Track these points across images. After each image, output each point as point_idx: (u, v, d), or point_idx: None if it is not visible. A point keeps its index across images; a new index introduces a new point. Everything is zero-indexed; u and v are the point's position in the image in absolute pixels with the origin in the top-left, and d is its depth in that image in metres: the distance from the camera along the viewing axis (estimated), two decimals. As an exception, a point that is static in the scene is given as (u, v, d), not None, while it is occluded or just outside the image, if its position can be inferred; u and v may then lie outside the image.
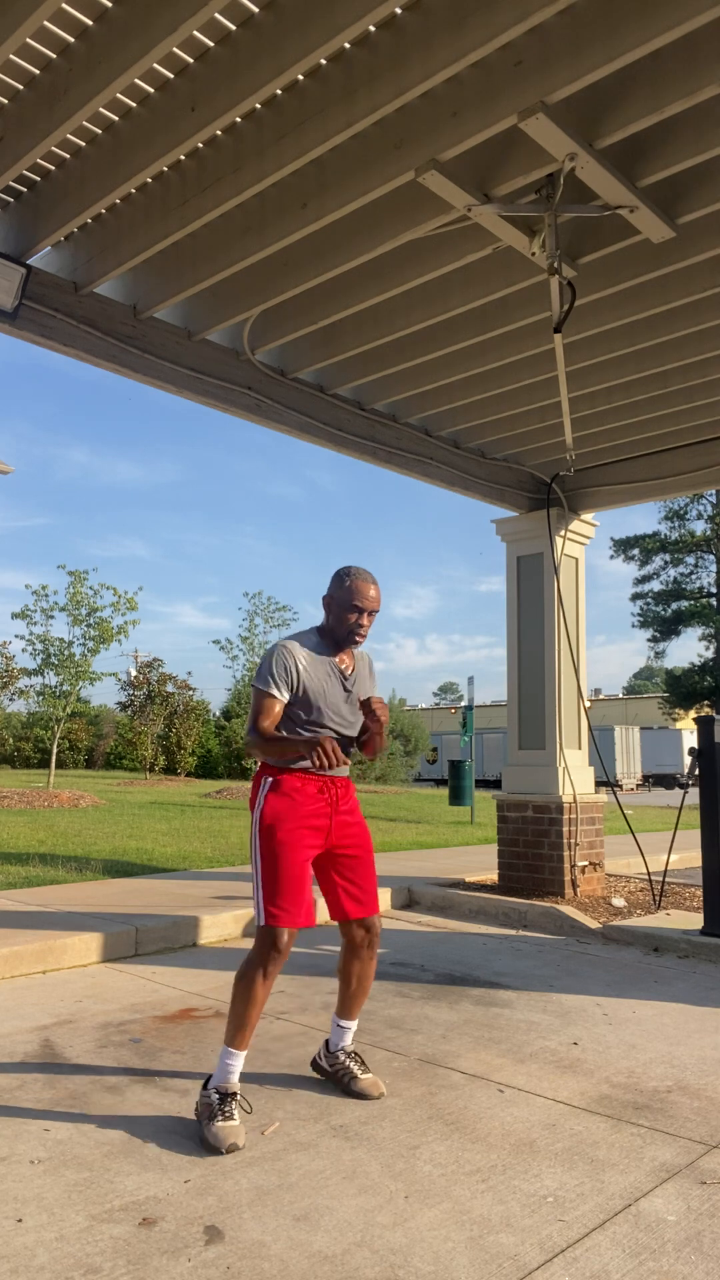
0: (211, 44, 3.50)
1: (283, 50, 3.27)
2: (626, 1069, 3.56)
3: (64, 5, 3.29)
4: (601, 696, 60.32)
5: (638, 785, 38.72)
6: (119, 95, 3.76)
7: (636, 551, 45.63)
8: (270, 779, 3.13)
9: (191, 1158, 2.74)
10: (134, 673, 31.37)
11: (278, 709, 3.12)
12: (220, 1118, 2.84)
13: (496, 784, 33.57)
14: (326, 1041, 3.37)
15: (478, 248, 4.41)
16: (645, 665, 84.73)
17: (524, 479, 7.62)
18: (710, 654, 45.05)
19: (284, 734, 3.13)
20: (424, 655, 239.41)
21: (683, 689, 44.96)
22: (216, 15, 3.35)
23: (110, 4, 3.30)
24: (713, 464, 6.82)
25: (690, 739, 37.40)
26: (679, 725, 45.62)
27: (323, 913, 6.51)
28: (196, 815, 14.61)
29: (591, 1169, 2.71)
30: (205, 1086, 2.96)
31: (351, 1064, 3.27)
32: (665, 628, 45.78)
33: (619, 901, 6.96)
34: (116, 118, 3.91)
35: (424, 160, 3.70)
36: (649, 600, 46.23)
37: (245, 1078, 3.39)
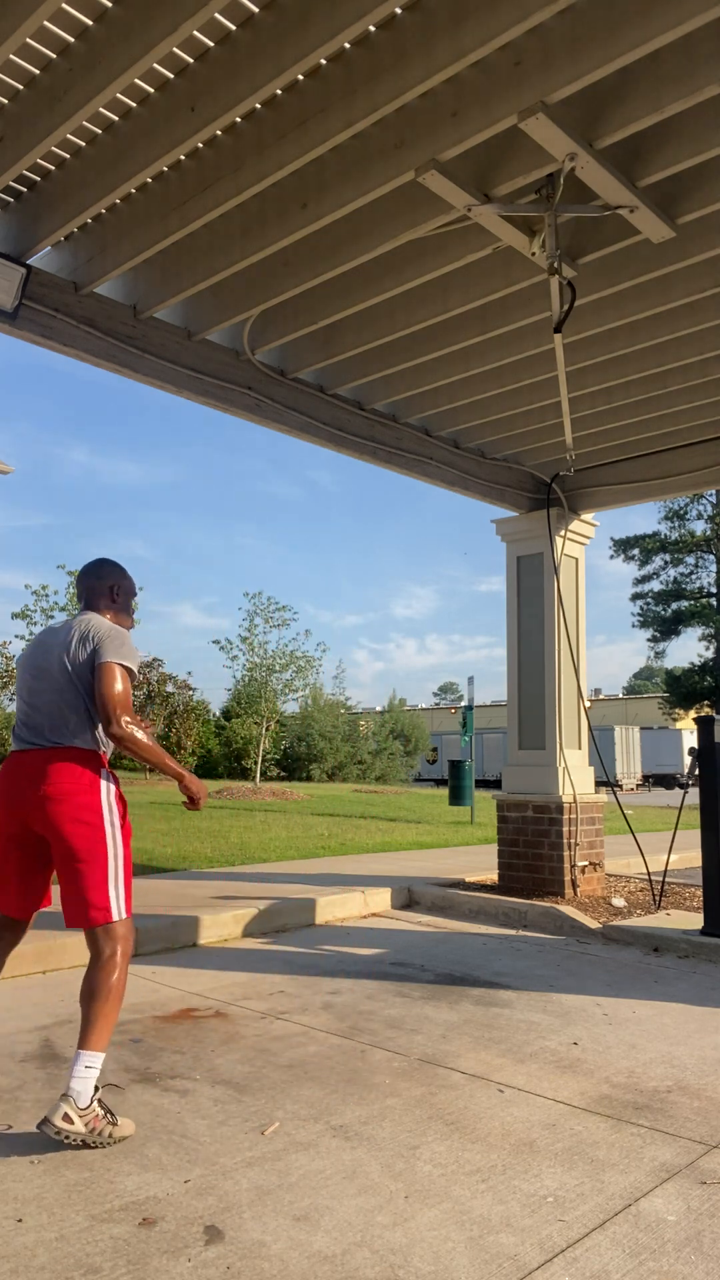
0: (211, 44, 3.50)
1: (283, 50, 3.27)
2: (626, 1069, 3.56)
3: (64, 5, 3.29)
4: (601, 696, 60.33)
5: (638, 785, 38.72)
6: (119, 95, 3.76)
7: (636, 551, 45.62)
8: (105, 770, 3.03)
9: (191, 1158, 2.74)
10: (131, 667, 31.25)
11: None
12: (117, 1116, 2.85)
13: (496, 784, 33.57)
14: None
15: (478, 248, 4.41)
16: (645, 665, 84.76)
17: (524, 479, 7.62)
18: (710, 654, 45.05)
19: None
20: (424, 655, 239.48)
21: (683, 689, 44.95)
22: (216, 15, 3.35)
23: (110, 4, 3.30)
24: (713, 464, 6.82)
25: (690, 739, 37.40)
26: (679, 725, 45.61)
27: (325, 913, 6.50)
28: (196, 815, 14.60)
29: (591, 1169, 2.71)
30: (90, 1105, 2.76)
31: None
32: (665, 628, 45.77)
33: (619, 901, 6.96)
34: (116, 118, 3.91)
35: (424, 160, 3.70)
36: (649, 600, 46.22)
37: (244, 1076, 3.39)
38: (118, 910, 2.91)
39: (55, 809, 2.89)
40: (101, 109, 3.84)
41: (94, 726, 3.00)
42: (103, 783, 2.98)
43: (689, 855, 9.11)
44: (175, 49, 3.49)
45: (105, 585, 3.23)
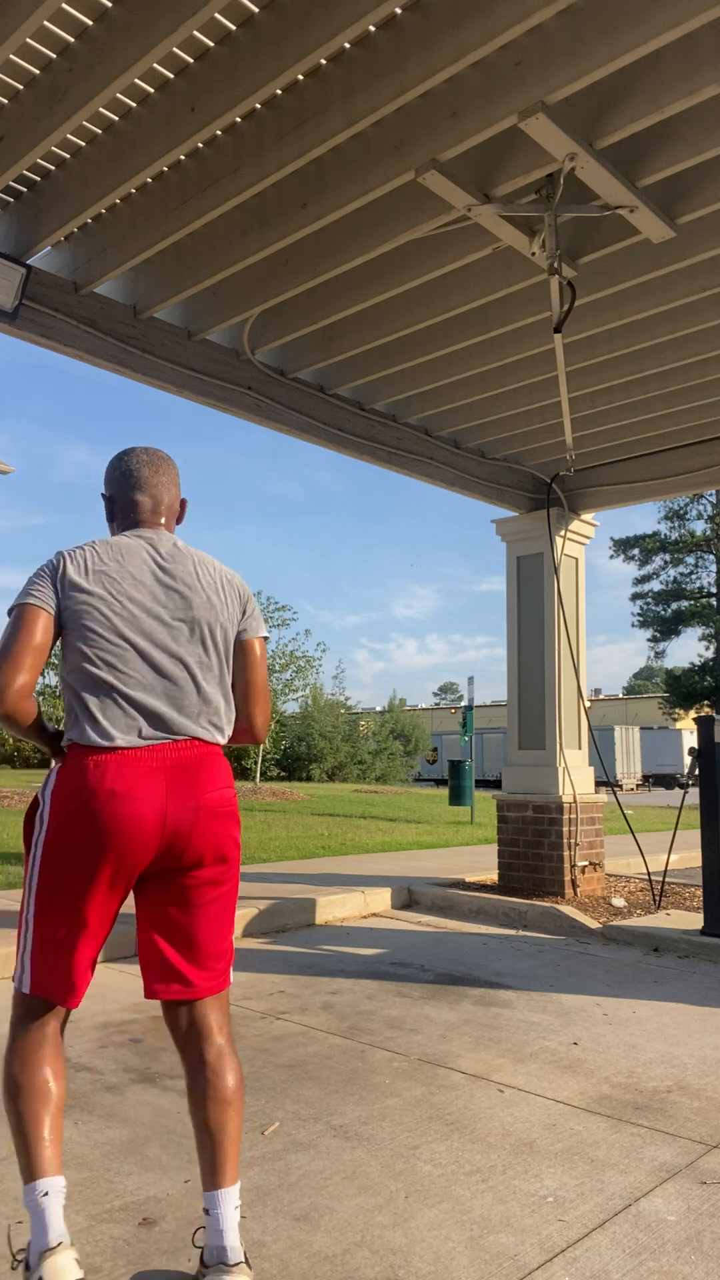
0: (211, 44, 3.50)
1: (283, 50, 3.27)
2: (626, 1069, 3.56)
3: (64, 5, 3.29)
4: (601, 696, 60.32)
5: (638, 785, 38.71)
6: (119, 95, 3.76)
7: (636, 551, 45.62)
8: None
9: (191, 1158, 2.74)
10: None
11: None
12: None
13: (496, 784, 33.58)
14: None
15: (478, 248, 4.41)
16: (645, 665, 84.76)
17: (524, 479, 7.63)
18: (710, 654, 45.05)
19: None
20: (424, 655, 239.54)
21: (683, 689, 44.94)
22: (216, 15, 3.35)
23: (110, 4, 3.30)
24: (713, 464, 6.82)
25: (690, 739, 37.41)
26: (679, 725, 45.61)
27: (325, 913, 6.50)
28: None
29: (591, 1169, 2.71)
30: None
31: None
32: (665, 628, 45.76)
33: (619, 901, 6.97)
34: (116, 118, 3.91)
35: (424, 160, 3.70)
36: (649, 600, 46.22)
37: (246, 1077, 3.39)
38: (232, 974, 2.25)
39: (226, 829, 2.10)
40: (101, 109, 3.84)
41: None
42: None
43: (689, 855, 9.11)
44: (175, 49, 3.49)
45: (182, 500, 2.37)
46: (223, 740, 2.17)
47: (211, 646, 2.15)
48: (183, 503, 2.36)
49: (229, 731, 2.20)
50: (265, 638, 2.28)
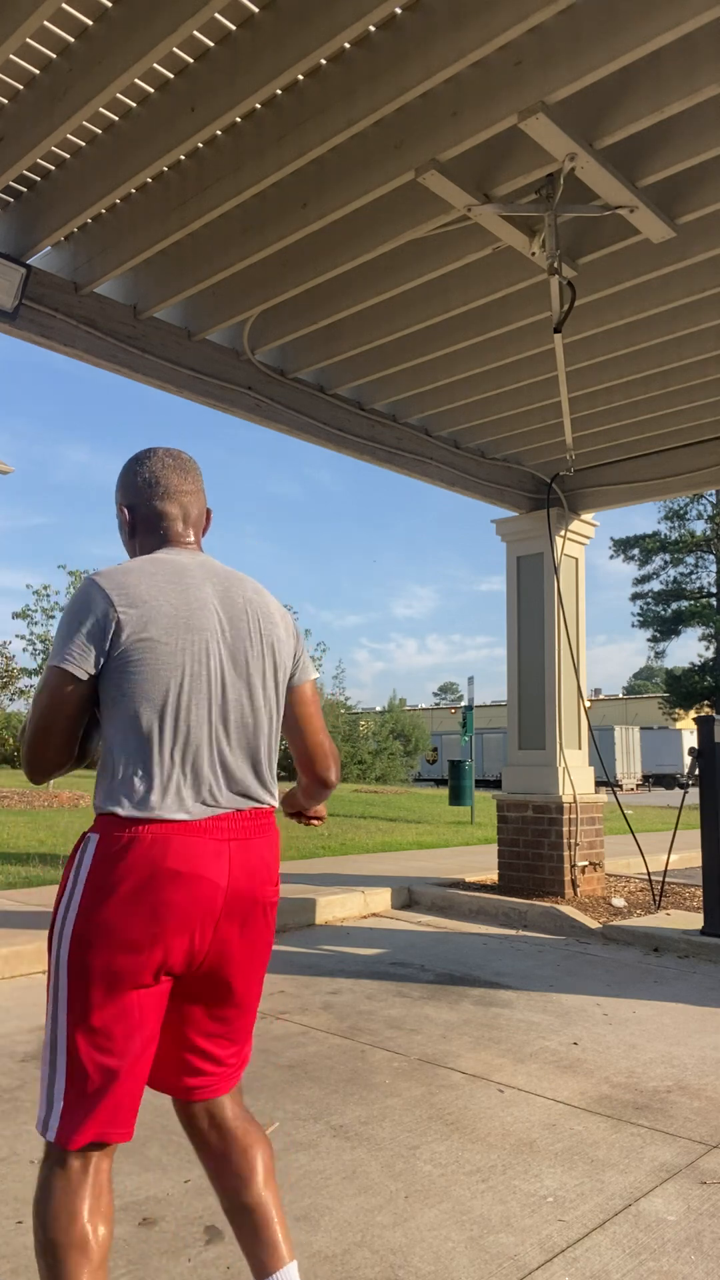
0: (211, 44, 3.49)
1: (283, 50, 3.27)
2: (626, 1069, 3.56)
3: (64, 5, 3.28)
4: (601, 696, 60.31)
5: (638, 785, 38.70)
6: (119, 95, 3.76)
7: (636, 551, 45.61)
8: None
9: (191, 1158, 2.74)
10: None
11: None
12: None
13: (496, 784, 33.57)
14: None
15: (478, 248, 4.41)
16: (645, 665, 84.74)
17: (524, 479, 7.62)
18: (710, 654, 45.05)
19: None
20: (424, 655, 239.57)
21: (683, 689, 44.94)
22: (216, 15, 3.35)
23: (110, 4, 3.30)
24: (713, 464, 6.82)
25: (690, 739, 37.40)
26: (679, 725, 45.60)
27: (325, 913, 6.50)
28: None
29: (591, 1169, 2.71)
30: None
31: None
32: (665, 628, 45.76)
33: (619, 901, 6.96)
34: (116, 118, 3.91)
35: (424, 160, 3.70)
36: (649, 600, 46.21)
37: (246, 1077, 3.38)
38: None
39: (270, 917, 1.82)
40: (101, 109, 3.84)
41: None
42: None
43: (689, 855, 9.11)
44: (175, 49, 3.49)
45: (208, 510, 2.03)
46: (275, 803, 1.86)
47: (274, 691, 1.84)
48: (208, 513, 2.01)
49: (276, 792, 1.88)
50: (314, 678, 1.98)
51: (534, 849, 7.14)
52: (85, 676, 1.68)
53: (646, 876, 8.11)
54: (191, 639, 1.72)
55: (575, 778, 7.24)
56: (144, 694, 1.68)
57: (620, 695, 65.11)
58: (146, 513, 1.91)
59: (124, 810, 1.65)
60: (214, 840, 1.69)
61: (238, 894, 1.70)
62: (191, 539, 1.93)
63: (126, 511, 1.94)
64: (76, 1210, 1.59)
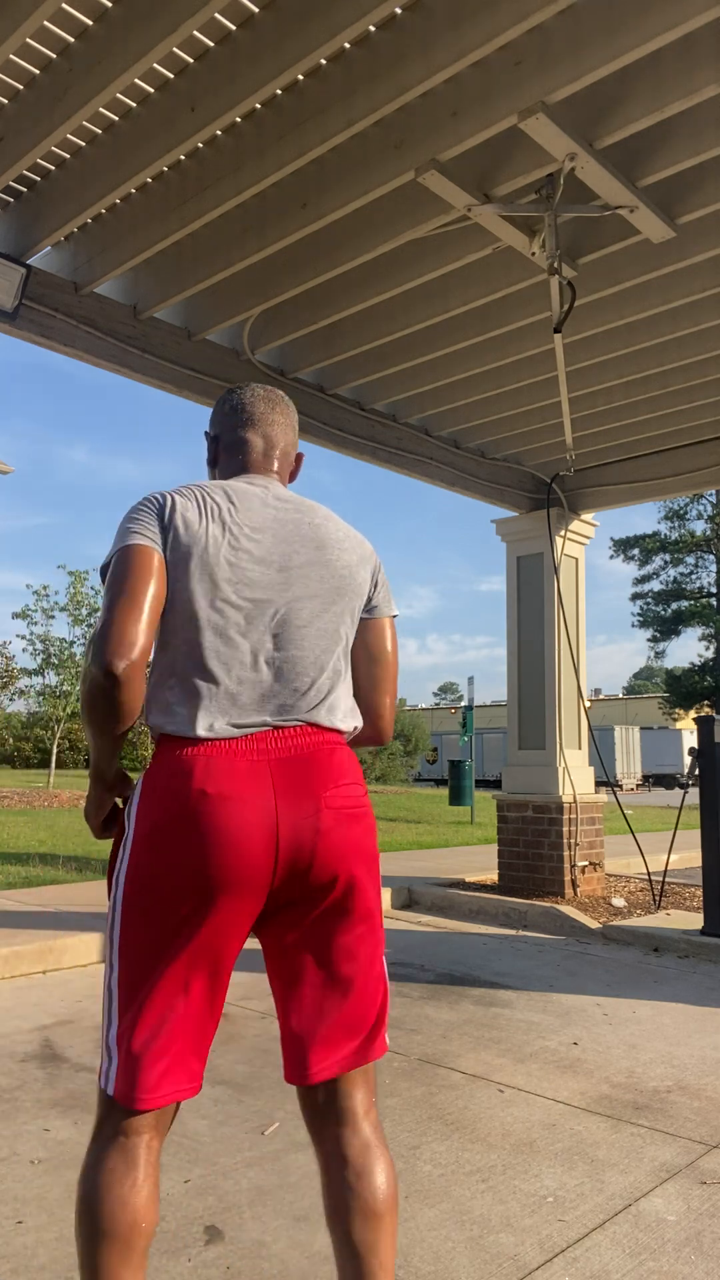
0: (211, 44, 3.49)
1: (283, 50, 3.27)
2: (626, 1069, 3.56)
3: (64, 5, 3.28)
4: (601, 696, 60.31)
5: (638, 785, 38.70)
6: (119, 95, 3.76)
7: (636, 551, 45.61)
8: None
9: (191, 1157, 2.74)
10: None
11: None
12: None
13: (496, 784, 33.56)
14: None
15: (478, 248, 4.41)
16: (645, 665, 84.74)
17: (524, 479, 7.62)
18: (710, 654, 45.05)
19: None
20: (424, 655, 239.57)
21: (683, 689, 44.94)
22: (216, 15, 3.35)
23: (110, 4, 3.30)
24: (713, 464, 6.82)
25: (690, 739, 37.40)
26: (679, 725, 45.60)
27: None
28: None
29: (591, 1169, 2.71)
30: None
31: None
32: (665, 628, 45.77)
33: (619, 901, 6.97)
34: (116, 118, 3.91)
35: (424, 160, 3.70)
36: (649, 600, 46.22)
37: (244, 1076, 3.39)
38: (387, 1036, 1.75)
39: (358, 838, 1.64)
40: (101, 109, 3.84)
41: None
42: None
43: (689, 855, 9.11)
44: (175, 49, 3.49)
45: (298, 452, 1.98)
46: (348, 728, 1.73)
47: (343, 617, 1.74)
48: (299, 456, 1.95)
49: (356, 719, 1.76)
50: (394, 615, 1.87)
51: (534, 849, 7.14)
52: (158, 550, 1.61)
53: (646, 876, 8.10)
54: (238, 556, 1.65)
55: (575, 778, 7.24)
56: (184, 607, 1.62)
57: (620, 695, 65.11)
58: (229, 440, 1.88)
59: (164, 727, 1.60)
60: (249, 760, 1.57)
61: (291, 816, 1.55)
62: (273, 468, 1.87)
63: (211, 441, 1.93)
64: (126, 1187, 1.47)
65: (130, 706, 1.54)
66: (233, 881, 1.51)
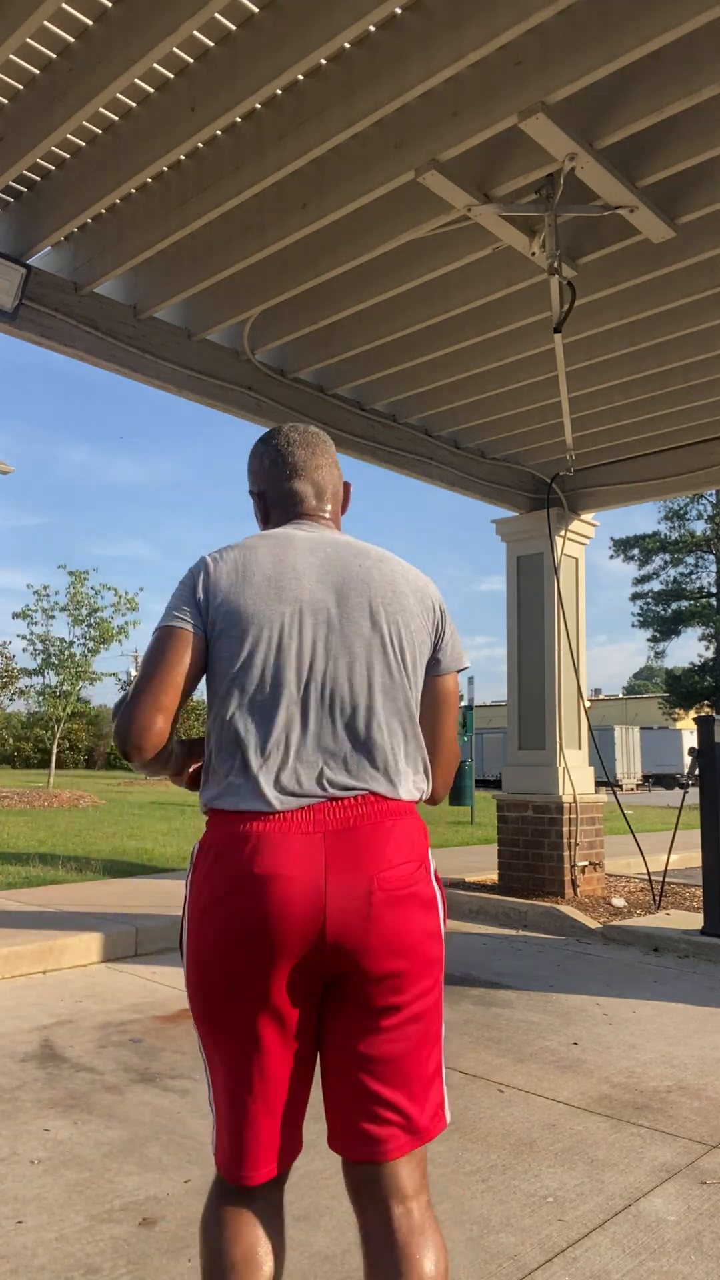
0: (211, 44, 3.49)
1: (283, 50, 3.27)
2: (626, 1069, 3.56)
3: (64, 5, 3.28)
4: (601, 696, 60.30)
5: (638, 785, 38.69)
6: (119, 95, 3.76)
7: (636, 551, 45.62)
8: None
9: (192, 1158, 2.74)
10: (134, 673, 31.23)
11: None
12: None
13: (496, 784, 33.54)
14: None
15: (478, 248, 4.41)
16: (645, 665, 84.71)
17: (524, 479, 7.62)
18: (710, 654, 45.05)
19: None
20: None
21: (683, 689, 44.95)
22: (216, 15, 3.35)
23: (110, 4, 3.30)
24: (713, 464, 6.82)
25: (690, 739, 37.36)
26: (679, 725, 45.59)
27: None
28: (196, 815, 14.61)
29: (591, 1169, 2.71)
30: None
31: None
32: (665, 628, 45.78)
33: (619, 901, 6.96)
34: (116, 118, 3.91)
35: (424, 160, 3.70)
36: (649, 600, 46.23)
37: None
38: (443, 1116, 1.61)
39: (412, 919, 1.54)
40: (101, 109, 3.84)
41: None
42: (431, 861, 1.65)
43: (689, 855, 9.11)
44: (175, 49, 3.49)
45: (345, 483, 1.91)
46: (411, 795, 1.61)
47: (399, 671, 1.63)
48: (346, 486, 1.89)
49: (423, 783, 1.65)
50: (462, 669, 1.76)
51: (534, 849, 7.14)
52: (191, 629, 1.60)
53: (646, 876, 8.10)
54: (281, 609, 1.59)
55: (575, 778, 7.24)
56: (227, 669, 1.58)
57: (620, 695, 65.10)
58: (277, 495, 1.81)
59: (210, 801, 1.57)
60: (300, 833, 1.49)
61: (340, 894, 1.48)
62: (327, 514, 1.81)
63: (257, 499, 1.86)
64: (219, 1246, 1.49)
65: (154, 763, 1.59)
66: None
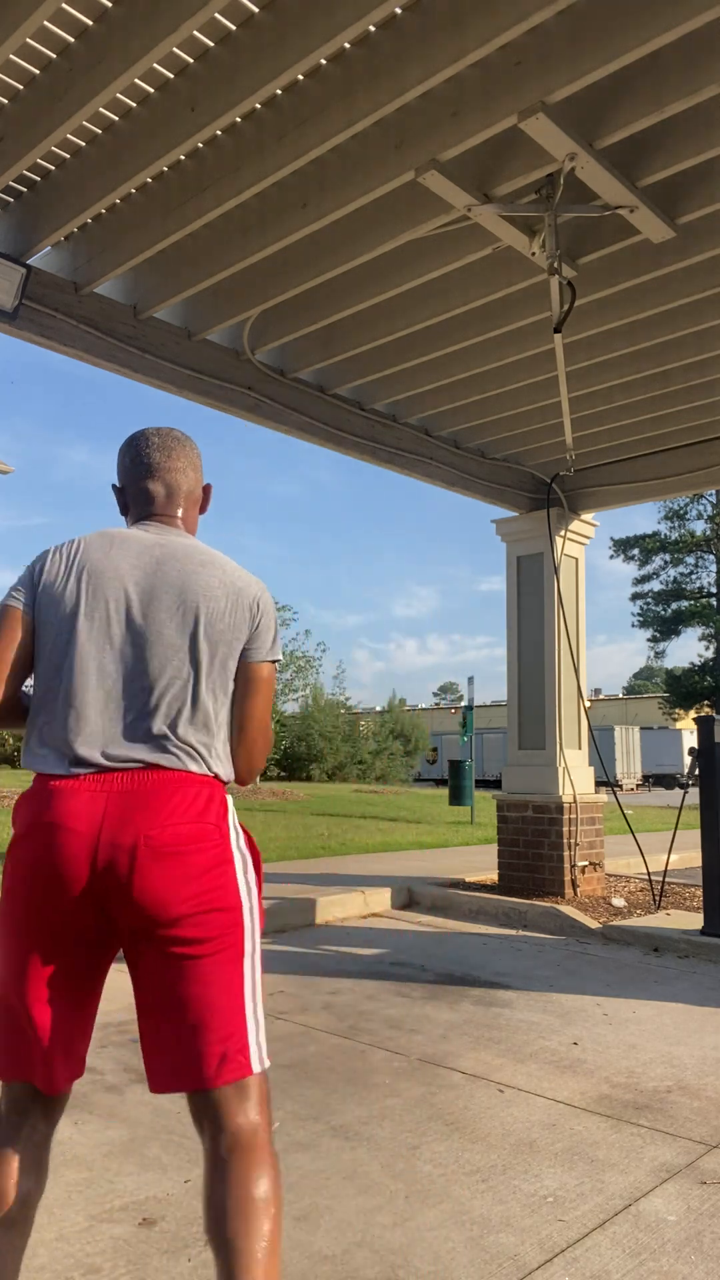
0: (211, 44, 3.49)
1: (283, 50, 3.27)
2: (626, 1069, 3.56)
3: (64, 5, 3.28)
4: (601, 696, 60.30)
5: (638, 785, 38.70)
6: (119, 95, 3.76)
7: (636, 551, 45.63)
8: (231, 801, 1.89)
9: (192, 1158, 2.74)
10: None
11: None
12: None
13: (496, 784, 33.55)
14: None
15: (478, 248, 4.41)
16: (645, 665, 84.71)
17: (524, 479, 7.62)
18: (710, 654, 45.06)
19: None
20: (424, 655, 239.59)
21: (683, 689, 44.95)
22: (216, 15, 3.35)
23: (110, 4, 3.30)
24: (713, 464, 6.82)
25: (690, 739, 37.38)
26: (679, 725, 45.59)
27: (325, 913, 6.49)
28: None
29: (591, 1169, 2.71)
30: None
31: None
32: (665, 628, 45.78)
33: (619, 901, 6.97)
34: (116, 118, 3.91)
35: (424, 160, 3.70)
36: (649, 600, 46.23)
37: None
38: (258, 1054, 1.75)
39: (186, 874, 1.70)
40: (101, 109, 3.84)
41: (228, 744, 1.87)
42: (236, 830, 1.84)
43: (689, 855, 9.10)
44: (175, 49, 3.49)
45: (204, 485, 2.09)
46: (201, 769, 1.78)
47: (199, 662, 1.80)
48: (205, 488, 2.07)
49: (218, 762, 1.82)
50: (274, 661, 1.90)
51: (534, 849, 7.14)
52: (22, 608, 1.83)
53: (646, 876, 8.10)
54: (96, 602, 1.80)
55: (575, 778, 7.24)
56: (43, 649, 1.81)
57: (620, 695, 65.10)
58: (134, 492, 2.00)
59: (25, 765, 1.79)
60: (88, 793, 1.70)
61: (111, 842, 1.66)
62: (176, 514, 1.99)
63: (118, 494, 2.05)
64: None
65: (3, 724, 1.88)
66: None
